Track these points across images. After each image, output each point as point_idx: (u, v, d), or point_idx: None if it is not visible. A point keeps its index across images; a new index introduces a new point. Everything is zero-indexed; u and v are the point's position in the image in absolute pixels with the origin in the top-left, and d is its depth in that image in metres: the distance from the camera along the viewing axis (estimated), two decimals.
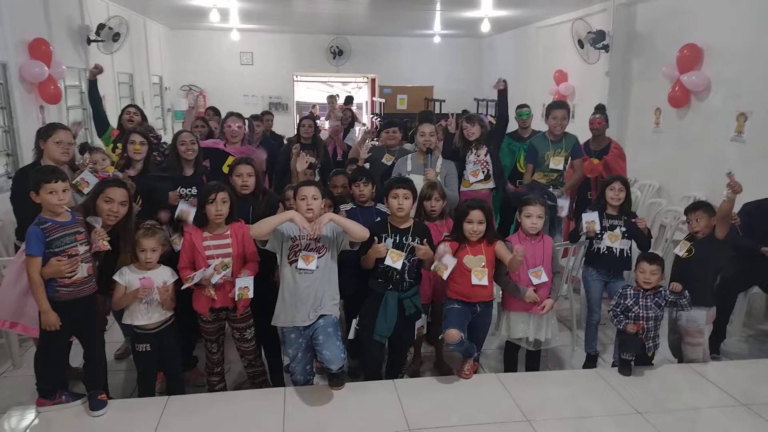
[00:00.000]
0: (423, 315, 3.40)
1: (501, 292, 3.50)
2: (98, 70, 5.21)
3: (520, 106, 5.38)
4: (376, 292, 3.23)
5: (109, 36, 7.43)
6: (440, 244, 3.18)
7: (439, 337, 3.28)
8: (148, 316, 3.02)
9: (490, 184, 4.57)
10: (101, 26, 7.36)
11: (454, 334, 3.11)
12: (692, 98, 6.10)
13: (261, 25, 11.37)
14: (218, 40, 12.10)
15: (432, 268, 3.16)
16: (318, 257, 3.01)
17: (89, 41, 7.28)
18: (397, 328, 3.20)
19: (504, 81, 5.15)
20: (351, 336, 3.30)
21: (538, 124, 5.60)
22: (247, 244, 3.19)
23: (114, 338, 3.81)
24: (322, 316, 3.02)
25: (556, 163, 4.61)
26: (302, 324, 3.01)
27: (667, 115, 6.55)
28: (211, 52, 12.35)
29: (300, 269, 2.98)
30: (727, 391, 3.23)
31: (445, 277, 3.14)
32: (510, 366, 3.64)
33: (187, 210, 3.44)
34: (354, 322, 3.30)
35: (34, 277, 2.74)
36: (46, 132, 3.63)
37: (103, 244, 2.89)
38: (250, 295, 3.09)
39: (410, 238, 3.19)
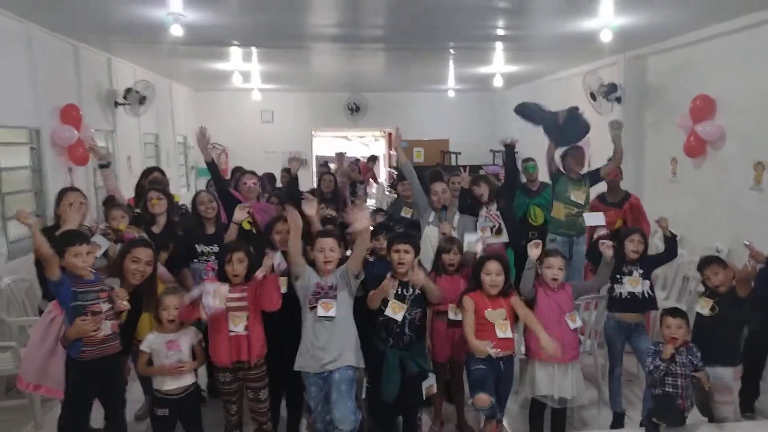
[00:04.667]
0: (430, 374, 3.35)
1: (524, 347, 3.45)
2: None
3: (525, 160, 5.38)
4: (378, 350, 3.22)
5: (135, 99, 7.74)
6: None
7: (469, 402, 3.23)
8: (171, 382, 3.05)
9: (503, 238, 4.60)
10: (128, 90, 7.69)
11: (484, 399, 3.07)
12: (708, 148, 6.10)
13: (281, 84, 11.77)
14: (240, 99, 12.50)
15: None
16: (337, 304, 3.07)
17: (116, 105, 7.59)
18: (401, 390, 3.16)
19: (512, 140, 5.13)
20: (363, 396, 3.29)
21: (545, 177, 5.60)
22: (261, 290, 3.21)
23: (133, 398, 3.81)
24: (337, 369, 3.02)
25: (577, 197, 4.75)
26: (320, 371, 3.04)
27: (683, 165, 6.54)
28: (233, 112, 12.73)
29: (320, 317, 3.04)
30: None
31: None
32: (536, 426, 3.52)
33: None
34: (364, 380, 3.33)
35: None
36: (58, 197, 3.78)
37: (123, 304, 2.97)
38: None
39: (411, 290, 3.24)
